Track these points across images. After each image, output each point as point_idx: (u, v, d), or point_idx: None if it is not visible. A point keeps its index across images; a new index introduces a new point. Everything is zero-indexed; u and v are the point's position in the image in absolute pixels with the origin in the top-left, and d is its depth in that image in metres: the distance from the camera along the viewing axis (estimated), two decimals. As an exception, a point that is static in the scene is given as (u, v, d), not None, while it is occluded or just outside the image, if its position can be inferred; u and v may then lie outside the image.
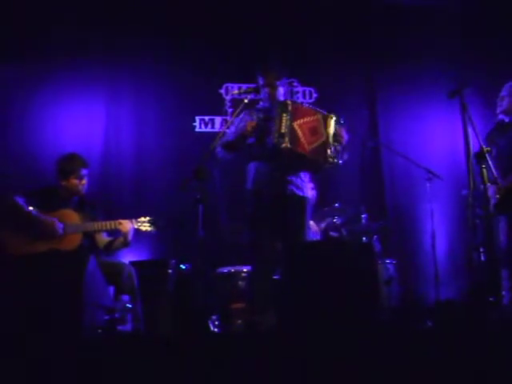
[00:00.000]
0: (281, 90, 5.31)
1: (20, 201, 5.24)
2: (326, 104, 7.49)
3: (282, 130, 4.92)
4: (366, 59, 7.87)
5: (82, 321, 3.99)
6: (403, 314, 5.84)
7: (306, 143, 4.98)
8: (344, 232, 6.55)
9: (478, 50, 7.75)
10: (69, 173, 5.45)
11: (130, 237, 5.38)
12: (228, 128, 5.37)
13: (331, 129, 5.07)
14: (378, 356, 3.27)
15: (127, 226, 5.35)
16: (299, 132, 4.97)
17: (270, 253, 5.00)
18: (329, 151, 5.01)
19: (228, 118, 7.28)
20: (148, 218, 5.47)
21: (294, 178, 5.15)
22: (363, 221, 6.60)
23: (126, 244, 5.43)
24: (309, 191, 5.35)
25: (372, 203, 7.25)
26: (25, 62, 6.93)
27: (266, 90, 5.26)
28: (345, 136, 5.15)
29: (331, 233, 6.61)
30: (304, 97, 7.72)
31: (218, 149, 5.21)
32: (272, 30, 7.44)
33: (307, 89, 7.77)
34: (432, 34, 7.74)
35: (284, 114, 4.97)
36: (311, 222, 6.46)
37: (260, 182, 5.11)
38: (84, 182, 5.50)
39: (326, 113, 5.15)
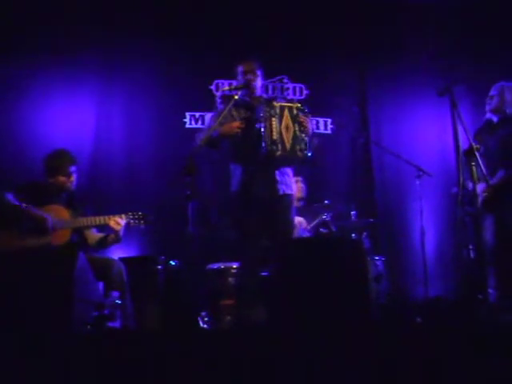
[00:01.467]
0: (259, 82, 5.30)
1: (8, 195, 5.21)
2: (316, 101, 7.58)
3: (274, 137, 4.92)
4: (358, 56, 7.87)
5: (72, 317, 3.98)
6: (392, 311, 5.85)
7: (287, 142, 4.98)
8: (333, 229, 6.56)
9: (467, 49, 7.77)
10: (56, 170, 5.42)
11: (121, 233, 5.37)
12: (212, 121, 5.30)
13: (297, 119, 5.05)
14: (367, 353, 3.27)
15: (119, 221, 5.33)
16: (284, 134, 4.97)
17: (257, 250, 5.00)
18: (298, 146, 5.01)
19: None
20: (138, 213, 5.45)
21: (282, 177, 5.14)
22: (353, 217, 6.62)
23: (117, 240, 5.42)
24: (293, 186, 5.35)
25: (362, 200, 7.27)
26: (13, 58, 6.90)
27: (246, 77, 5.22)
28: (310, 126, 5.13)
29: (321, 229, 6.61)
30: (294, 93, 7.72)
31: (196, 144, 5.14)
32: (263, 26, 7.43)
33: (298, 85, 7.76)
34: (423, 32, 7.75)
35: (273, 118, 4.95)
36: (301, 219, 6.48)
37: (247, 184, 5.08)
38: (72, 178, 5.47)
39: (290, 104, 5.13)
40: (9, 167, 6.65)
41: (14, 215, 5.17)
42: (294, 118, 5.03)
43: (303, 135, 5.04)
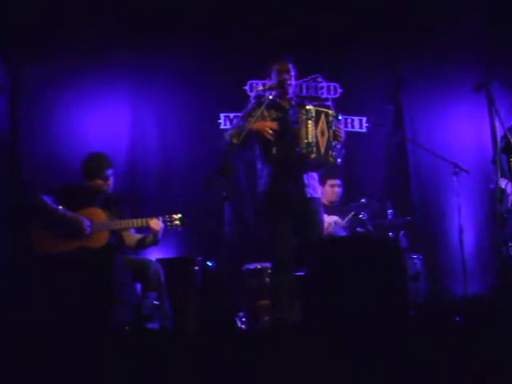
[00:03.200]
0: (293, 81, 5.29)
1: (47, 199, 5.28)
2: (350, 99, 7.55)
3: (310, 140, 4.92)
4: (392, 53, 7.81)
5: (112, 318, 4.02)
6: (431, 310, 5.81)
7: (322, 146, 4.99)
8: (370, 227, 6.52)
9: (504, 44, 7.66)
10: (94, 174, 5.48)
11: (160, 235, 5.41)
12: (241, 120, 5.28)
13: (332, 126, 5.07)
14: (406, 352, 3.25)
15: (158, 224, 5.37)
16: (319, 138, 4.97)
17: (288, 250, 5.00)
18: (330, 151, 5.03)
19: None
20: (175, 216, 5.49)
21: (309, 180, 5.16)
22: (389, 216, 6.57)
23: (156, 242, 5.46)
24: (319, 190, 5.35)
25: (398, 198, 7.21)
26: (51, 61, 6.95)
27: (281, 77, 5.20)
28: (343, 134, 5.16)
29: (357, 228, 6.58)
30: (329, 92, 7.68)
31: (227, 140, 5.14)
32: (296, 25, 7.41)
33: (332, 84, 7.73)
34: (458, 27, 7.66)
35: (309, 121, 4.95)
36: (336, 218, 6.47)
37: (277, 185, 5.09)
38: (109, 182, 5.52)
39: (326, 109, 5.14)
40: (45, 170, 6.72)
41: (52, 218, 5.23)
42: (329, 124, 5.04)
43: (335, 142, 5.06)
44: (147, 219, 5.38)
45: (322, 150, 4.98)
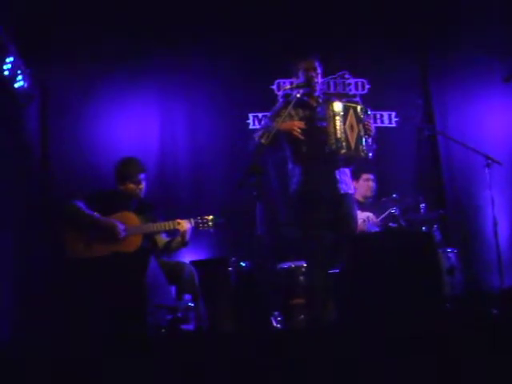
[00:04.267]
0: (319, 79, 5.27)
1: (80, 204, 5.33)
2: (379, 95, 7.51)
3: (339, 136, 4.93)
4: (419, 45, 7.75)
5: (147, 321, 4.04)
6: (467, 303, 5.76)
7: (352, 141, 4.98)
8: (403, 222, 6.48)
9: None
10: (126, 178, 5.52)
11: (187, 236, 5.43)
12: (269, 121, 5.27)
13: (361, 120, 5.05)
14: (444, 346, 3.23)
15: (185, 225, 5.40)
16: (348, 133, 4.96)
17: (323, 248, 4.98)
18: (361, 146, 5.03)
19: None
20: (207, 217, 5.51)
21: (342, 176, 5.13)
22: (422, 210, 6.52)
23: (183, 244, 5.48)
24: (352, 185, 5.33)
25: (430, 192, 7.15)
26: (80, 64, 7.02)
27: (308, 75, 5.19)
28: (373, 127, 5.15)
29: (390, 224, 6.54)
30: (357, 88, 7.65)
31: (256, 141, 5.13)
32: (322, 22, 7.38)
33: (359, 80, 7.69)
34: (487, 16, 7.57)
35: (337, 117, 4.95)
36: (370, 214, 6.44)
37: (309, 183, 5.09)
38: (141, 186, 5.56)
39: (354, 104, 5.13)
40: (76, 175, 6.80)
41: (86, 223, 5.27)
42: (359, 119, 5.03)
43: (366, 136, 5.06)
44: (177, 221, 5.41)
45: (353, 145, 4.98)
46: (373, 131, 5.14)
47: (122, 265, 4.46)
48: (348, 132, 4.96)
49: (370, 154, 5.11)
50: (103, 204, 5.41)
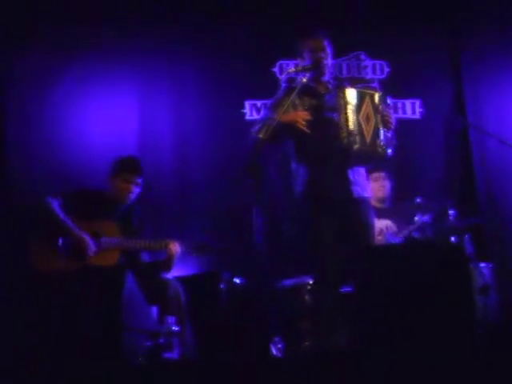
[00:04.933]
0: (329, 61, 5.27)
1: (55, 204, 5.33)
2: (400, 80, 7.52)
3: (351, 128, 4.91)
4: (449, 22, 7.76)
5: (122, 348, 4.05)
6: (504, 328, 5.77)
7: (367, 135, 4.97)
8: (428, 232, 6.50)
9: None
10: (120, 172, 5.56)
11: (174, 261, 5.46)
12: (269, 111, 5.25)
13: (379, 110, 5.04)
14: (473, 379, 3.24)
15: (174, 248, 5.42)
16: (363, 125, 4.96)
17: (334, 262, 4.98)
18: (378, 140, 5.01)
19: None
20: (199, 241, 5.54)
21: (355, 177, 5.12)
22: (451, 218, 6.53)
23: (168, 269, 5.51)
24: (368, 187, 5.34)
25: (461, 196, 7.18)
26: (43, 49, 7.04)
27: (316, 55, 5.17)
28: (393, 119, 5.13)
29: (413, 233, 6.56)
30: (374, 72, 7.67)
31: (255, 137, 5.08)
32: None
33: (378, 62, 7.70)
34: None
35: (349, 106, 4.94)
36: (388, 222, 6.45)
37: (317, 185, 5.08)
38: (132, 189, 5.57)
39: (371, 91, 5.13)
40: (44, 173, 6.79)
41: (55, 229, 5.28)
42: (376, 108, 5.02)
43: (385, 129, 5.05)
44: (165, 241, 5.43)
45: (368, 140, 4.95)
46: (393, 124, 5.12)
47: (94, 282, 4.47)
48: (363, 124, 4.95)
49: (390, 151, 5.10)
50: (84, 206, 5.44)
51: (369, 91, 5.11)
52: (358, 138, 4.91)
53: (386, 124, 5.05)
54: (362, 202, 5.13)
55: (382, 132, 5.03)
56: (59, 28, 7.11)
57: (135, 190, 5.61)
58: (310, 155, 5.11)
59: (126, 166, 5.62)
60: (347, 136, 4.90)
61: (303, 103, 5.15)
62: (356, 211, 5.09)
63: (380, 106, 5.05)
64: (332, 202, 5.03)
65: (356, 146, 4.91)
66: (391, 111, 5.18)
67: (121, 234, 5.43)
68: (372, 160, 5.31)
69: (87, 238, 5.27)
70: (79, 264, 5.20)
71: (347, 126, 4.91)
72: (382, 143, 5.01)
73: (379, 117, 5.02)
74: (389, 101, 5.21)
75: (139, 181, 5.63)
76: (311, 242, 5.14)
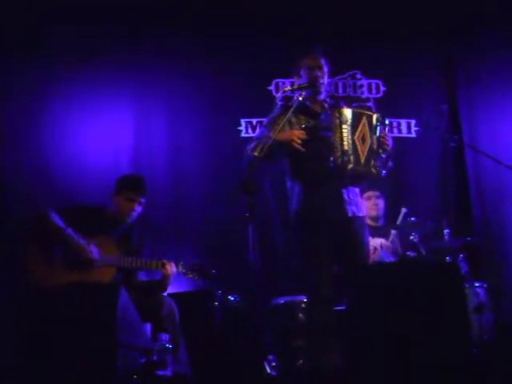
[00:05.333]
0: (326, 79, 5.27)
1: (55, 217, 5.31)
2: (396, 99, 7.54)
3: (345, 147, 4.87)
4: (445, 43, 7.79)
5: (115, 366, 4.02)
6: (499, 349, 5.76)
7: (361, 155, 4.95)
8: (423, 251, 6.49)
9: None
10: (123, 190, 5.51)
11: (169, 282, 5.44)
12: (266, 130, 5.23)
13: (376, 132, 5.03)
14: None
15: (170, 269, 5.40)
16: (358, 145, 4.93)
17: (328, 281, 4.97)
18: (373, 161, 4.98)
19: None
20: (197, 264, 5.51)
21: (351, 196, 5.11)
22: (446, 237, 6.53)
23: (163, 289, 5.49)
24: (363, 206, 5.32)
25: (456, 215, 7.19)
26: (39, 61, 7.04)
27: (312, 74, 5.16)
28: (390, 142, 5.11)
29: (407, 252, 6.56)
30: (370, 91, 7.69)
31: (250, 155, 5.06)
32: (330, 14, 7.41)
33: (373, 81, 7.73)
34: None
35: (344, 126, 4.92)
36: (382, 240, 6.45)
37: (311, 204, 5.06)
38: (135, 208, 5.53)
39: (369, 111, 5.12)
40: (34, 185, 6.78)
41: (56, 238, 5.26)
42: (373, 130, 5.00)
43: (380, 151, 5.02)
44: (162, 261, 5.41)
45: (362, 160, 4.94)
46: (390, 146, 5.10)
47: (88, 297, 4.45)
48: (358, 144, 4.92)
49: (384, 172, 5.08)
50: (82, 222, 5.40)
51: (367, 112, 5.08)
52: (352, 158, 4.88)
53: (382, 145, 5.03)
54: (356, 221, 5.11)
55: (377, 153, 5.01)
56: (57, 43, 7.10)
57: (138, 209, 5.59)
58: (304, 174, 5.10)
59: (132, 185, 5.57)
60: (341, 156, 4.87)
61: (299, 122, 5.13)
62: (350, 230, 5.07)
63: (378, 128, 5.03)
64: (326, 220, 5.02)
65: (350, 166, 4.88)
66: (388, 135, 5.14)
67: (119, 251, 5.41)
68: (366, 180, 5.29)
69: (92, 247, 5.25)
70: (79, 275, 5.17)
71: (342, 145, 4.88)
72: (376, 164, 4.99)
73: (375, 138, 5.01)
74: (387, 121, 5.17)
75: (143, 200, 5.60)
76: (305, 260, 5.13)
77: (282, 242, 6.77)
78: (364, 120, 5.00)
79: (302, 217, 5.10)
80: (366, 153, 4.95)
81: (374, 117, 5.05)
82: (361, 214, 5.17)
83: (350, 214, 5.06)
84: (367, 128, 4.99)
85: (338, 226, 5.03)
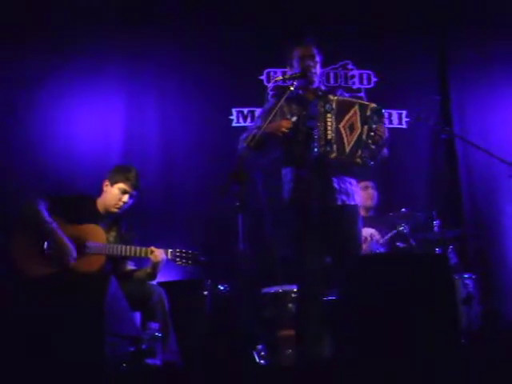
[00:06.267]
0: (318, 69, 5.26)
1: (42, 205, 5.28)
2: (387, 90, 7.53)
3: (329, 137, 4.85)
4: (437, 34, 7.79)
5: (104, 354, 4.01)
6: (486, 339, 5.78)
7: (347, 144, 4.93)
8: (413, 242, 6.50)
9: None
10: (116, 180, 5.48)
11: (159, 269, 5.41)
12: (259, 121, 5.21)
13: (369, 122, 5.00)
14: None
15: (159, 255, 5.36)
16: (343, 134, 4.91)
17: (318, 270, 4.97)
18: (360, 151, 4.95)
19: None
20: (187, 252, 5.48)
21: (341, 185, 5.09)
22: (436, 228, 6.54)
23: (152, 277, 5.46)
24: (357, 195, 5.30)
25: (446, 207, 7.18)
26: (30, 50, 7.02)
27: (304, 64, 5.15)
28: (385, 133, 5.07)
29: (398, 243, 6.57)
30: (361, 82, 7.68)
31: (242, 145, 5.08)
32: (322, 5, 7.39)
33: (365, 72, 7.72)
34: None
35: (328, 115, 4.90)
36: (373, 231, 6.45)
37: (301, 191, 5.05)
38: (125, 200, 5.50)
39: (363, 101, 5.10)
40: (28, 177, 6.75)
41: (40, 231, 5.24)
42: (365, 119, 4.97)
43: (370, 142, 4.99)
44: (150, 248, 5.38)
45: (347, 149, 4.90)
46: (384, 137, 5.05)
47: (77, 286, 4.43)
48: (344, 133, 4.90)
49: (372, 163, 5.04)
50: (72, 210, 5.37)
51: (360, 101, 5.07)
52: (335, 147, 4.86)
53: (373, 137, 5.01)
54: (346, 210, 5.10)
55: (366, 144, 4.97)
56: (48, 32, 7.07)
57: (129, 202, 5.56)
58: (294, 163, 5.10)
59: (127, 177, 5.53)
60: (324, 145, 4.86)
61: (291, 110, 5.13)
62: (340, 219, 5.07)
63: (371, 119, 5.00)
64: (314, 208, 5.01)
65: (333, 155, 4.85)
66: (383, 127, 5.09)
67: (107, 239, 5.39)
68: (352, 169, 5.23)
69: (69, 244, 5.23)
70: (61, 268, 5.16)
71: (326, 134, 4.86)
72: (363, 154, 4.95)
73: (366, 128, 4.98)
74: (384, 112, 5.14)
75: (135, 193, 5.58)
76: (295, 249, 5.13)
77: (272, 231, 6.76)
78: (355, 109, 4.97)
79: (293, 205, 5.10)
80: (352, 142, 4.92)
81: (370, 106, 5.02)
82: (352, 203, 5.13)
83: (338, 203, 5.05)
84: (358, 117, 4.96)
85: (329, 215, 5.02)
